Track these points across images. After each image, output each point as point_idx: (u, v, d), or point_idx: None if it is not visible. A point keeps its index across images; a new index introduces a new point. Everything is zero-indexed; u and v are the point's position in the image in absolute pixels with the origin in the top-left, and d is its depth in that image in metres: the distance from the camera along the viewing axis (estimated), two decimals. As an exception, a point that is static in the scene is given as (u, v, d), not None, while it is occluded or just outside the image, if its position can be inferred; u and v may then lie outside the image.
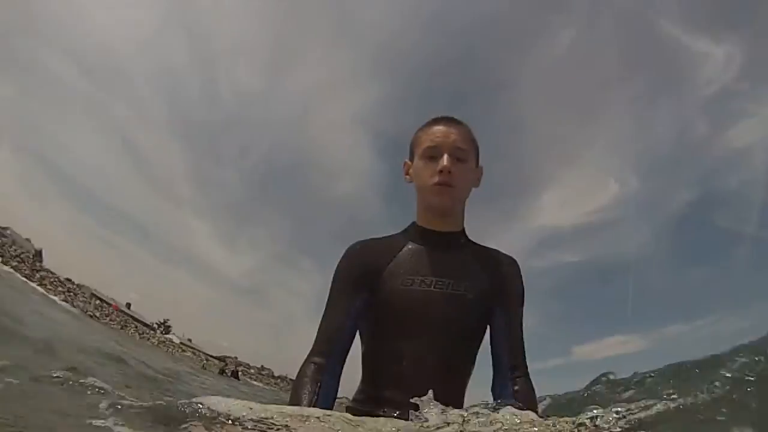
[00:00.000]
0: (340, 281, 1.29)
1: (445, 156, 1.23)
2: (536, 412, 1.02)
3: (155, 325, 45.76)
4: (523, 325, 1.31)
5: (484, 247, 1.37)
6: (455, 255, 1.30)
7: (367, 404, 1.23)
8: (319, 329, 1.24)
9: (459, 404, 1.17)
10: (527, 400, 1.16)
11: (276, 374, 46.51)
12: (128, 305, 43.16)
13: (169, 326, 48.01)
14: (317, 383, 1.14)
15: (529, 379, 1.23)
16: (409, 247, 1.30)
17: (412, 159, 1.35)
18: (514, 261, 1.37)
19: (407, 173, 1.36)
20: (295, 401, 1.09)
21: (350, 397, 1.32)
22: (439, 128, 1.29)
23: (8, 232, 33.63)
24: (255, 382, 34.30)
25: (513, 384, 1.21)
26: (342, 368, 1.22)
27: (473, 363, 1.31)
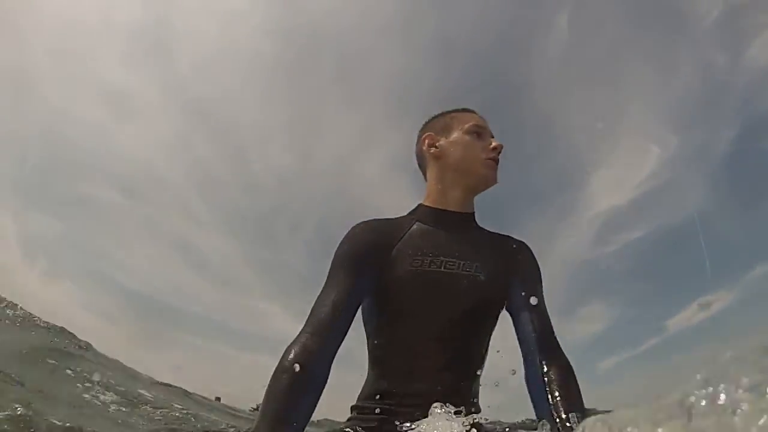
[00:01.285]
0: (341, 260, 1.18)
1: (494, 138, 1.26)
2: (575, 397, 1.01)
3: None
4: (546, 305, 1.21)
5: (497, 233, 1.32)
6: (466, 235, 1.24)
7: (376, 400, 1.14)
8: (312, 310, 1.11)
9: (472, 393, 1.17)
10: (562, 383, 1.04)
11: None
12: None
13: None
14: (303, 370, 0.99)
15: (563, 356, 1.12)
16: (416, 226, 1.23)
17: (444, 134, 1.30)
18: (527, 245, 1.31)
19: (433, 145, 1.29)
20: (275, 392, 0.97)
21: (329, 417, 1.31)
22: (478, 116, 1.30)
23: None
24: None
25: (545, 368, 1.08)
26: (334, 354, 1.08)
27: (487, 349, 1.23)
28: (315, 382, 1.01)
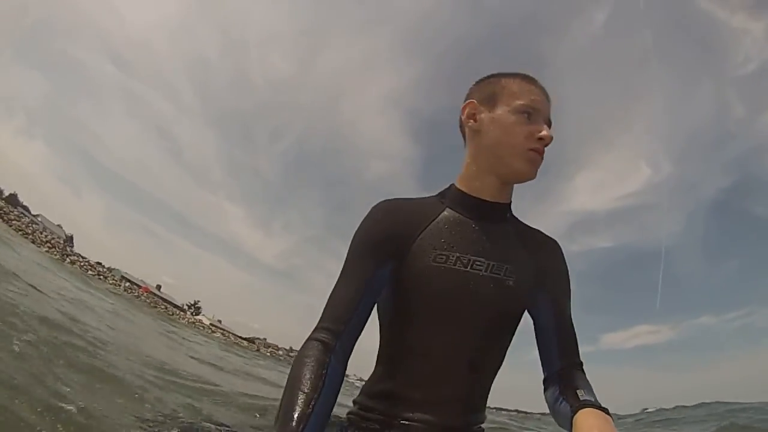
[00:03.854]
0: (359, 246, 1.06)
1: (545, 126, 1.05)
2: (586, 389, 0.95)
3: (185, 307, 46.56)
4: (572, 316, 1.14)
5: (528, 226, 1.19)
6: (498, 231, 1.10)
7: (380, 401, 1.06)
8: (328, 302, 1.01)
9: (484, 402, 1.10)
10: (578, 383, 0.98)
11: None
12: (158, 287, 43.81)
13: (200, 308, 48.90)
14: (323, 367, 0.90)
15: (583, 373, 1.05)
16: (446, 214, 1.09)
17: (489, 105, 1.09)
18: (559, 245, 1.20)
19: (473, 118, 1.11)
20: (295, 389, 0.85)
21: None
22: (537, 89, 1.08)
23: (39, 218, 34.47)
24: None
25: (560, 379, 1.02)
26: (351, 351, 1.00)
27: (503, 357, 1.13)
28: (333, 379, 0.92)
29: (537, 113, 1.06)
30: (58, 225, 37.68)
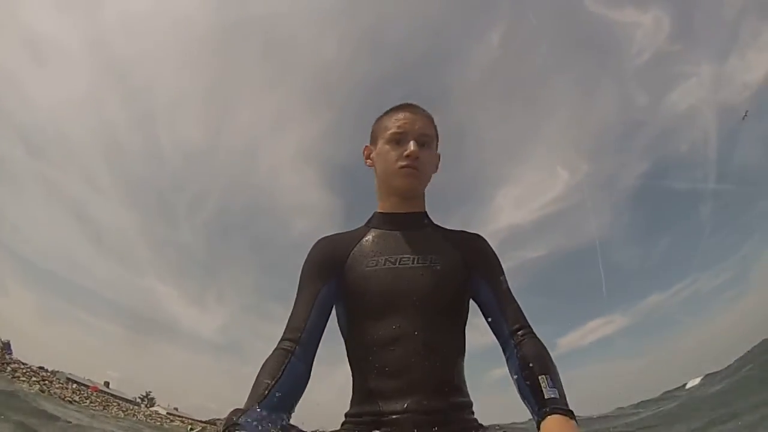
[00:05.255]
0: (305, 273, 1.25)
1: (412, 142, 1.23)
2: (550, 374, 1.03)
3: (138, 400, 45.82)
4: (511, 290, 1.24)
5: (450, 229, 1.35)
6: (419, 233, 1.28)
7: (363, 405, 1.14)
8: (287, 321, 1.17)
9: (455, 386, 1.15)
10: (537, 361, 1.07)
11: None
12: (107, 384, 42.69)
13: (153, 398, 47.62)
14: (283, 364, 1.05)
15: (535, 336, 1.15)
16: (372, 233, 1.28)
17: (374, 144, 1.33)
18: (482, 236, 1.35)
19: (368, 158, 1.35)
20: (257, 382, 1.02)
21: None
22: (405, 114, 1.28)
23: None
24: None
25: (517, 349, 1.12)
26: (313, 357, 1.15)
27: (461, 340, 1.23)
28: (293, 372, 1.06)
29: (405, 135, 1.24)
30: (-9, 333, 35.09)
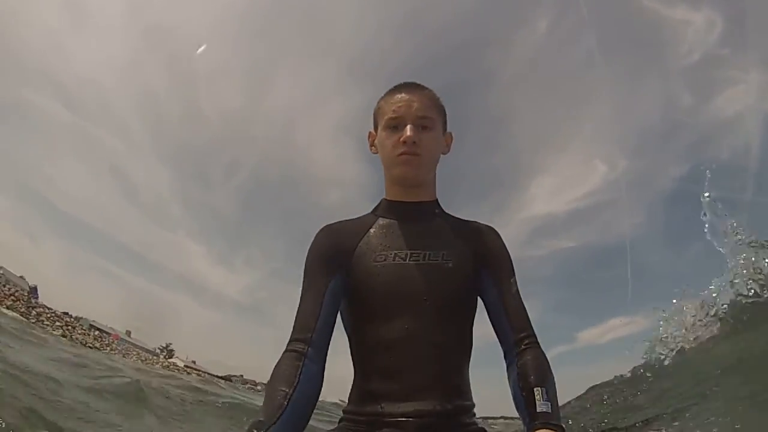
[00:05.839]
0: (310, 267, 1.19)
1: (408, 126, 1.16)
2: (546, 386, 1.00)
3: (158, 351, 46.49)
4: (520, 293, 1.19)
5: (463, 219, 1.29)
6: (429, 225, 1.22)
7: (363, 403, 1.12)
8: (295, 319, 1.13)
9: (460, 389, 1.13)
10: (535, 373, 1.03)
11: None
12: (128, 333, 43.53)
13: (172, 350, 48.30)
14: (298, 369, 1.01)
15: (538, 346, 1.11)
16: (380, 223, 1.23)
17: (376, 129, 1.27)
18: (495, 230, 1.28)
19: (372, 144, 1.29)
20: (273, 388, 0.98)
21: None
22: (401, 96, 1.20)
23: (1, 272, 33.10)
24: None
25: (518, 358, 1.08)
26: (325, 357, 1.11)
27: (468, 340, 1.19)
28: (308, 377, 1.02)
29: (401, 119, 1.17)
30: (21, 276, 36.44)
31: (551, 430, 0.93)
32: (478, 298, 1.22)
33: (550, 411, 0.97)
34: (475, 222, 1.29)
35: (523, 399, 1.01)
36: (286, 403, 0.95)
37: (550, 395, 1.00)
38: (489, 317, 1.20)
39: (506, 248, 1.26)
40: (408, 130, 1.16)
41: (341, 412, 1.19)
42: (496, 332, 1.18)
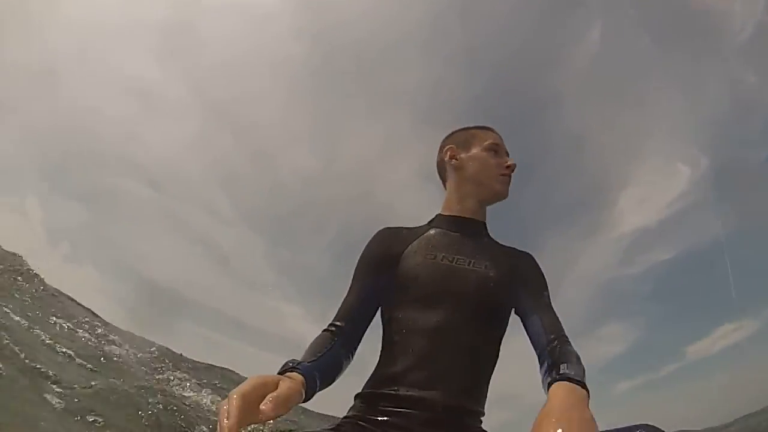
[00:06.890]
0: (360, 264, 1.29)
1: (511, 157, 1.35)
2: (578, 379, 0.91)
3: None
4: (553, 307, 1.24)
5: (505, 245, 1.38)
6: (477, 239, 1.31)
7: (379, 385, 1.15)
8: (338, 309, 1.23)
9: (478, 392, 1.18)
10: (562, 358, 1.03)
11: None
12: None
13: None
14: (330, 341, 1.13)
15: (569, 343, 1.12)
16: (431, 232, 1.32)
17: (465, 149, 1.37)
18: (533, 256, 1.38)
19: (454, 157, 1.37)
20: (307, 351, 1.10)
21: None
22: (496, 135, 1.38)
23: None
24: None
25: (550, 355, 1.08)
26: (354, 349, 1.21)
27: (496, 351, 1.24)
28: (336, 353, 1.13)
29: (500, 149, 1.35)
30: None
31: (572, 382, 0.91)
32: (511, 316, 1.28)
33: (573, 372, 0.95)
34: (516, 248, 1.38)
35: (548, 375, 1.01)
36: (317, 357, 1.07)
37: (576, 367, 1.00)
38: (523, 324, 1.24)
39: (542, 270, 1.34)
40: (511, 159, 1.34)
41: (352, 398, 1.22)
42: (530, 339, 1.21)
